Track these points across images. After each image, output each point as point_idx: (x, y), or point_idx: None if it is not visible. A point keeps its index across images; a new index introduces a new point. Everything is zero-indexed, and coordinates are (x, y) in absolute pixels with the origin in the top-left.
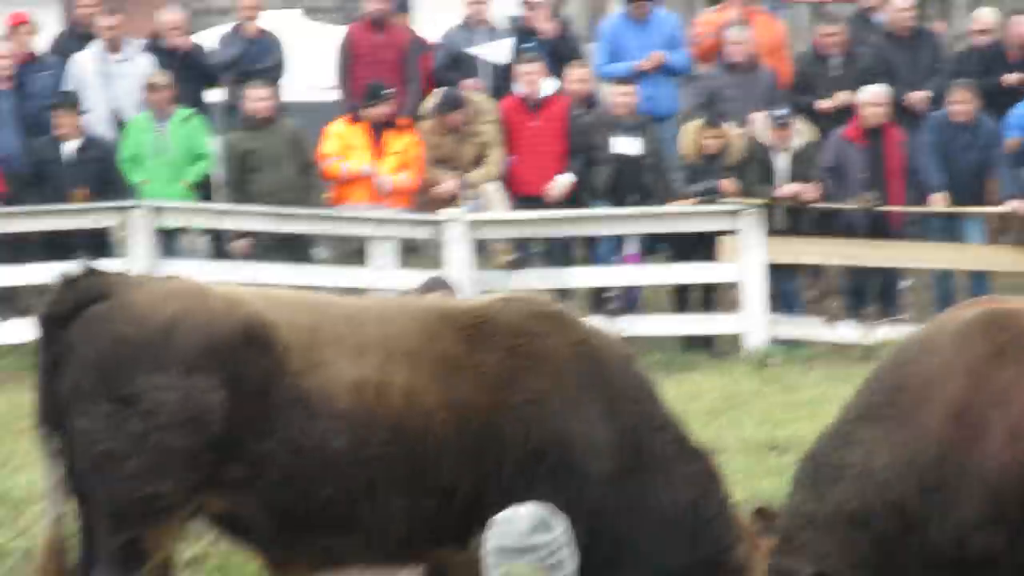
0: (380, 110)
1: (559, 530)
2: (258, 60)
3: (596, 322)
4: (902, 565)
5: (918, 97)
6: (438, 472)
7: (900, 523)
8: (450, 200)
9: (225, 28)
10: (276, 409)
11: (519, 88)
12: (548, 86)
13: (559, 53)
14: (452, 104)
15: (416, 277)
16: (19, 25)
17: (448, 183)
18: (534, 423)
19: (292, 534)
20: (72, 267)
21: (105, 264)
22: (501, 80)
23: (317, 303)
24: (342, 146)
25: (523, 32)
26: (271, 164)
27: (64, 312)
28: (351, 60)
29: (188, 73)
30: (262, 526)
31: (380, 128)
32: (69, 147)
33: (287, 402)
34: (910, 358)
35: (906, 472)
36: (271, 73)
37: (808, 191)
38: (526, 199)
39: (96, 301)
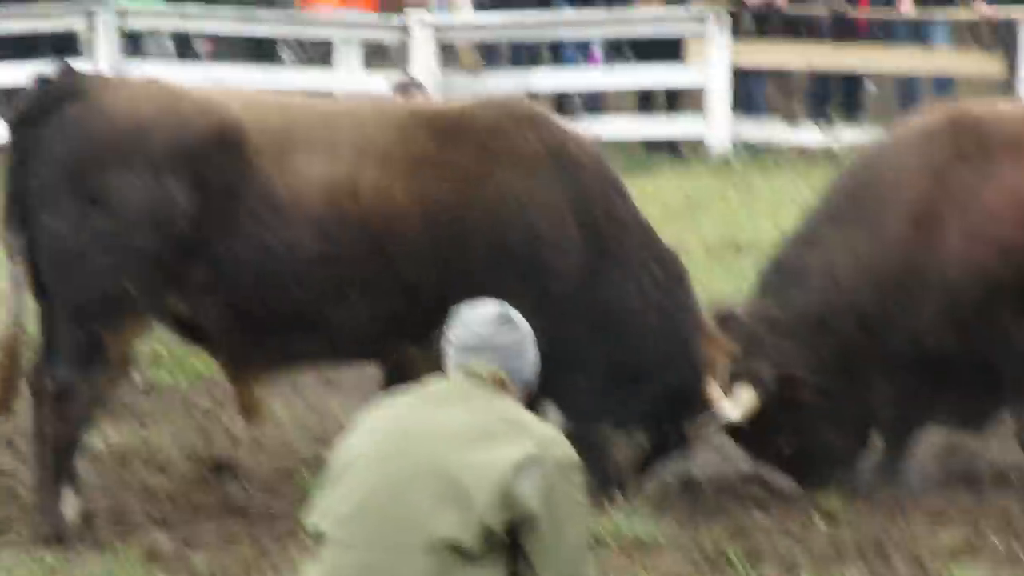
0: None
1: (521, 327)
2: None
3: (569, 124)
4: (862, 368)
5: None
6: (407, 270)
7: (860, 327)
8: (417, 2)
9: None
10: (246, 211)
11: None
12: None
13: None
14: None
15: (382, 80)
16: None
17: None
18: (504, 220)
19: (255, 336)
20: (48, 67)
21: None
22: None
23: (291, 106)
24: None
25: None
26: None
27: (37, 112)
28: None
29: None
30: (224, 329)
31: None
32: None
33: (257, 204)
34: (874, 161)
35: (866, 276)
36: None
37: None
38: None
39: (71, 101)
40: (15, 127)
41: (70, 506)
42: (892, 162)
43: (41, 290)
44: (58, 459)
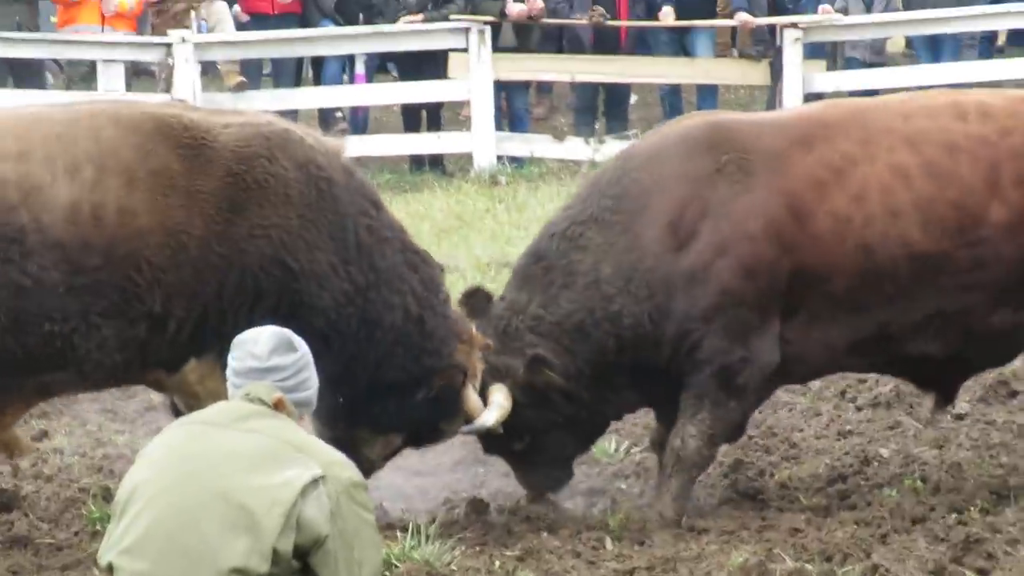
0: None
1: (301, 351)
2: None
3: (318, 136)
4: (606, 374)
5: None
6: (152, 298)
7: (617, 338)
8: (180, 20)
9: None
10: None
11: None
12: None
13: None
14: None
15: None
16: None
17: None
18: (257, 256)
19: (10, 376)
20: None
21: None
22: None
23: (26, 119)
24: None
25: None
26: None
27: None
28: None
29: None
30: None
31: None
32: None
33: (5, 238)
34: (636, 165)
35: (625, 283)
36: None
37: (535, 7)
38: (257, 16)
39: None
40: None
41: None
42: (653, 168)
43: None
44: None
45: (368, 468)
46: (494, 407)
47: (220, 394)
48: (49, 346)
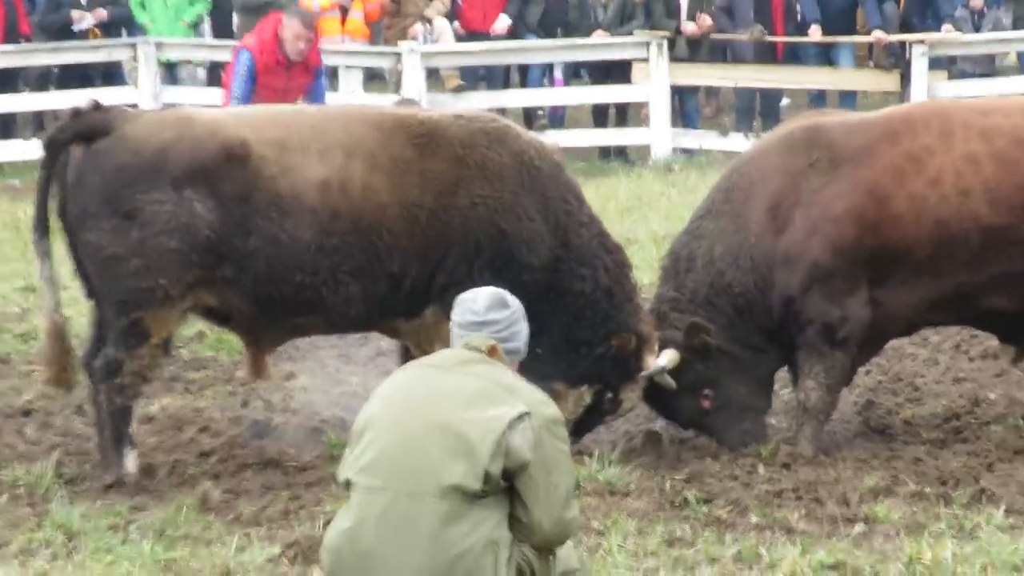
0: None
1: (513, 307)
2: None
3: (534, 135)
4: (746, 338)
5: None
6: (390, 260)
7: (733, 305)
8: (408, 32)
9: None
10: (256, 211)
11: None
12: None
13: None
14: None
15: (380, 101)
16: None
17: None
18: (475, 222)
19: (269, 317)
20: (81, 101)
21: (118, 92)
22: None
23: (286, 116)
24: None
25: None
26: None
27: (66, 139)
28: None
29: None
30: (247, 315)
31: None
32: None
33: (265, 204)
34: (744, 163)
35: (734, 259)
36: None
37: (705, 25)
38: (472, 33)
39: (101, 134)
40: (47, 150)
41: (131, 462)
42: (758, 163)
43: (89, 289)
44: (115, 424)
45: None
46: (664, 356)
47: (446, 339)
48: (300, 294)
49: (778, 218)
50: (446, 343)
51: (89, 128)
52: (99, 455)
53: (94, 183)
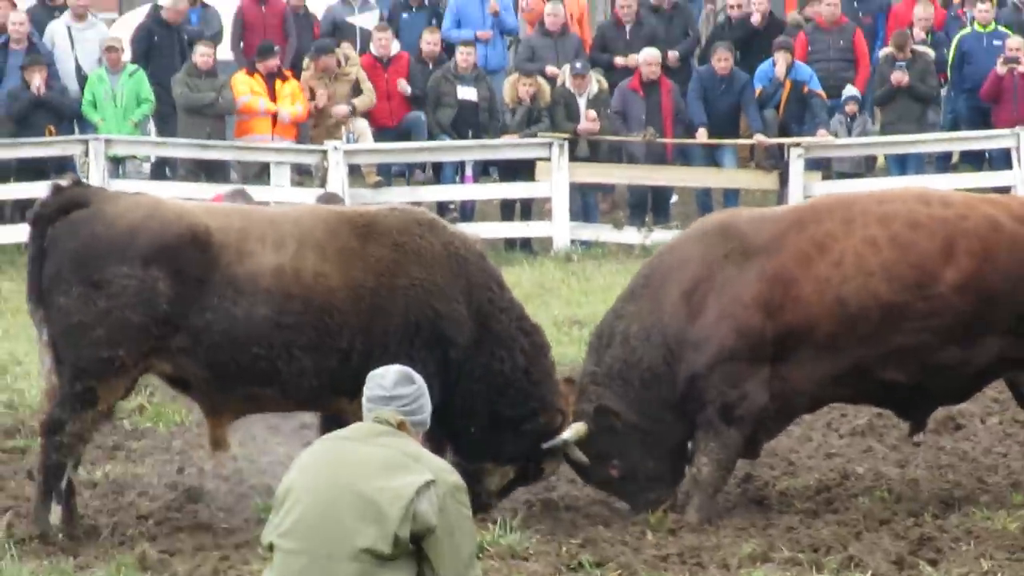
0: (271, 63)
1: (418, 383)
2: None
3: (458, 227)
4: (653, 410)
5: (674, 57)
6: (339, 337)
7: (642, 376)
8: (335, 129)
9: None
10: (214, 290)
11: (373, 49)
12: (395, 47)
13: (429, 17)
14: (323, 51)
15: (306, 194)
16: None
17: (341, 108)
18: (412, 302)
19: (225, 386)
20: (63, 180)
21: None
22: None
23: (246, 211)
24: (247, 92)
25: (399, 2)
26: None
27: (51, 213)
28: (243, 27)
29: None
30: (201, 382)
31: (272, 77)
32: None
33: (222, 285)
34: (664, 252)
35: (647, 336)
36: (213, 37)
37: (590, 128)
38: (381, 129)
39: (79, 207)
40: (34, 224)
41: (55, 515)
42: (677, 253)
43: (56, 354)
44: (47, 478)
45: (486, 501)
46: (571, 430)
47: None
48: (256, 365)
49: (692, 302)
50: None
51: (70, 201)
52: (31, 507)
53: (68, 249)
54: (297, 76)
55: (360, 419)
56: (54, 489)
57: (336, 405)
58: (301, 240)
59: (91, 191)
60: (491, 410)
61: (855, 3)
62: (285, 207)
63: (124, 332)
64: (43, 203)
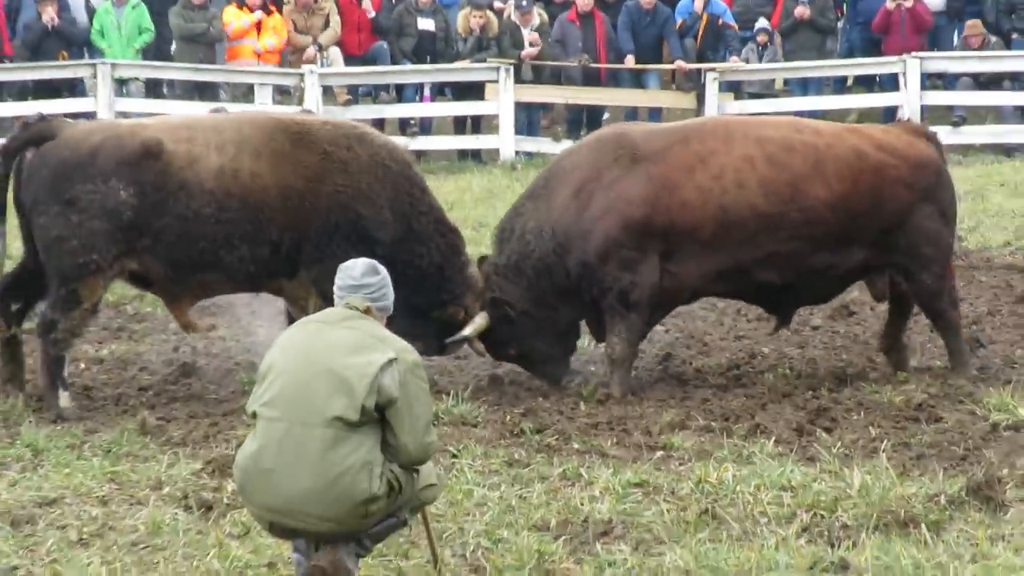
0: None
1: (382, 274)
2: None
3: (389, 139)
4: (544, 297)
5: None
6: (270, 230)
7: (535, 266)
8: (309, 58)
9: None
10: (168, 195)
11: None
12: None
13: None
14: None
15: (286, 111)
16: None
17: (308, 49)
18: (335, 206)
19: (180, 277)
20: (30, 115)
21: (80, 102)
22: None
23: (195, 120)
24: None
25: None
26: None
27: (19, 145)
28: None
29: None
30: (161, 275)
31: (259, 9)
32: (54, 24)
33: (175, 188)
34: (561, 157)
35: (539, 231)
36: None
37: (531, 53)
38: (353, 57)
39: (47, 139)
40: (3, 152)
41: (64, 399)
42: (574, 157)
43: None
44: (50, 371)
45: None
46: (471, 325)
47: (307, 299)
48: (203, 256)
49: (581, 199)
50: (310, 302)
51: (37, 135)
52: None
53: (41, 176)
54: (279, 9)
55: (296, 296)
56: (58, 378)
57: (275, 285)
58: (240, 144)
59: (56, 123)
60: (407, 298)
61: None
62: (230, 115)
63: (95, 239)
64: (12, 136)
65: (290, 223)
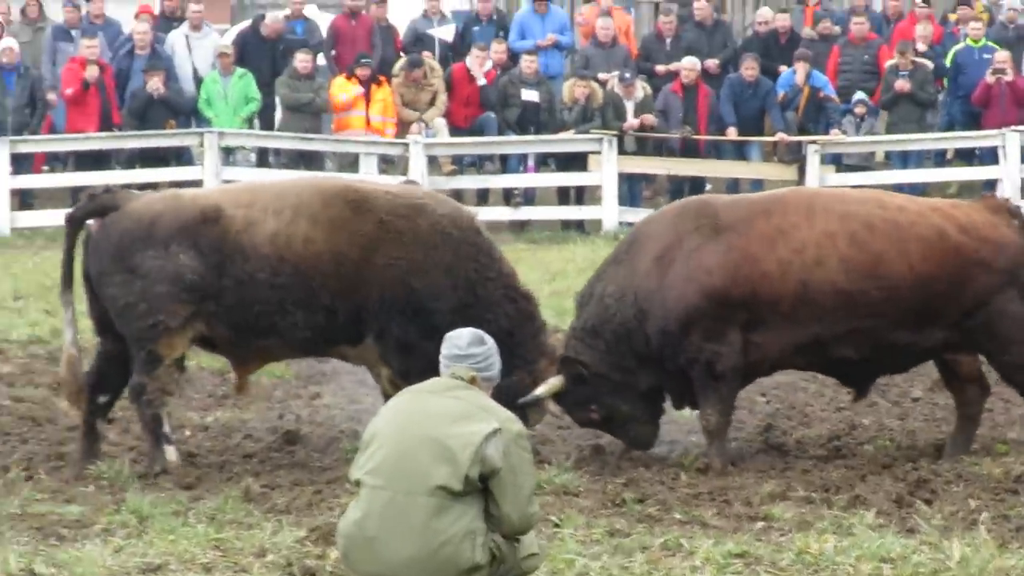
0: (365, 70)
1: (488, 344)
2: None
3: (456, 205)
4: (621, 362)
5: (713, 64)
6: (322, 296)
7: (614, 330)
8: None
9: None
10: (227, 258)
11: (469, 61)
12: (486, 66)
13: (497, 29)
14: (414, 64)
15: (390, 180)
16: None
17: (413, 125)
18: (388, 278)
19: (241, 340)
20: (94, 187)
21: (187, 170)
22: (447, 51)
23: (256, 186)
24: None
25: (472, 18)
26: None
27: (82, 215)
28: (335, 38)
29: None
30: (226, 338)
31: (367, 82)
32: (160, 94)
33: (232, 253)
34: (645, 223)
35: (622, 296)
36: (316, 46)
37: (634, 125)
38: (459, 130)
39: (111, 210)
40: (68, 223)
41: (171, 454)
42: (655, 225)
43: (100, 330)
44: (151, 430)
45: None
46: (544, 385)
47: (377, 363)
48: (259, 321)
49: (662, 266)
50: (381, 370)
51: (101, 206)
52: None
53: (106, 247)
54: (388, 81)
55: (368, 363)
56: (160, 435)
57: (337, 351)
58: (297, 209)
59: (120, 195)
60: None
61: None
62: (295, 180)
63: (161, 302)
64: (76, 207)
65: (343, 290)
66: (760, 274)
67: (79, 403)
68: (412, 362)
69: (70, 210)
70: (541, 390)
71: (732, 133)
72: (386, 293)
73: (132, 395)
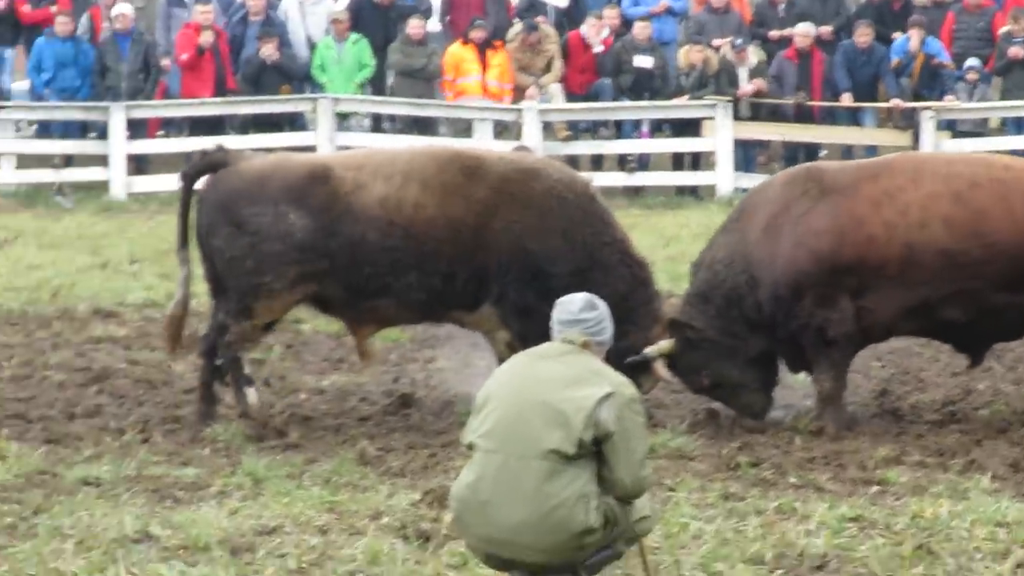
0: (479, 34)
1: (600, 308)
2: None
3: (569, 171)
4: (731, 327)
5: (827, 31)
6: (438, 261)
7: (727, 297)
8: (529, 96)
9: None
10: (336, 219)
11: (584, 28)
12: (603, 33)
13: None
14: (531, 28)
15: (504, 146)
16: None
17: (529, 90)
18: (506, 242)
19: (353, 301)
20: (208, 146)
21: (301, 136)
22: (562, 17)
23: (372, 152)
24: (459, 60)
25: None
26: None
27: (194, 172)
28: (450, 4)
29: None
30: (337, 299)
31: (483, 47)
32: (274, 60)
33: (342, 213)
34: (754, 192)
35: (731, 262)
36: (425, 12)
37: (760, 86)
38: (574, 96)
39: (222, 167)
40: (182, 180)
41: (251, 396)
42: (764, 192)
43: (214, 289)
44: (232, 371)
45: None
46: (655, 347)
47: (498, 330)
48: (371, 282)
49: (770, 232)
50: (497, 335)
51: (211, 164)
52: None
53: (214, 201)
54: (504, 45)
55: (480, 329)
56: (240, 378)
57: (453, 316)
58: (408, 175)
59: (231, 154)
60: None
61: None
62: (409, 147)
63: (268, 261)
64: (190, 165)
65: (461, 255)
66: (866, 237)
67: (178, 356)
68: (531, 325)
69: (183, 169)
70: (651, 350)
71: (847, 99)
72: (503, 257)
73: (216, 332)
